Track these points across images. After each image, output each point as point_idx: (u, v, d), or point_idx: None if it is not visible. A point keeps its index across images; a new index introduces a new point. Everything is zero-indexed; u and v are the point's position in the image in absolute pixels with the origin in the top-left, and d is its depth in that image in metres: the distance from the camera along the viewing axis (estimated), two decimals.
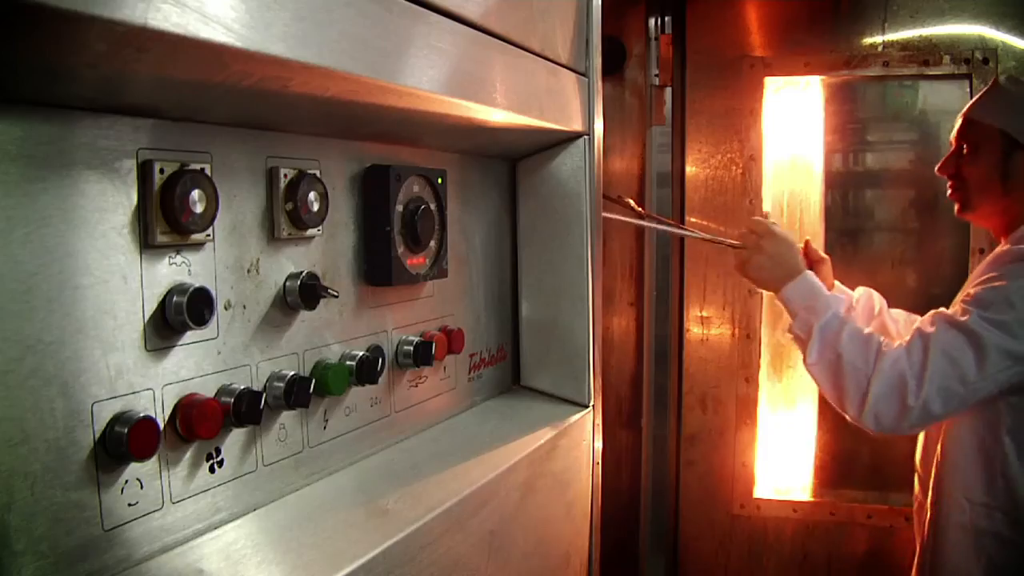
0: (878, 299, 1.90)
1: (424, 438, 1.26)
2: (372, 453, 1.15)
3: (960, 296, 1.58)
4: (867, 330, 1.51)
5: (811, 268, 1.93)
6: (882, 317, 1.87)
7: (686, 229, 1.98)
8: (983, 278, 1.50)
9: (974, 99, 1.66)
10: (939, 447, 1.60)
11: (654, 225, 1.93)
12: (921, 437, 1.73)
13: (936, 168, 1.69)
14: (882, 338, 1.50)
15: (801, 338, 1.56)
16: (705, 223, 2.45)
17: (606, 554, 1.64)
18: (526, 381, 1.58)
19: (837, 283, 1.93)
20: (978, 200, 1.62)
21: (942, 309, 1.53)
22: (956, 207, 1.66)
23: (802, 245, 1.96)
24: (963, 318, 1.43)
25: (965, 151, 1.63)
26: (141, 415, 0.76)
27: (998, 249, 1.59)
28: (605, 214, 1.57)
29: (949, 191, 1.66)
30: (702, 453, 2.54)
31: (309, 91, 0.81)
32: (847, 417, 1.54)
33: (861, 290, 1.92)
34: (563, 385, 1.52)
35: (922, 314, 1.86)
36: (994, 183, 1.58)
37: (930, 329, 1.45)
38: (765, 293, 2.43)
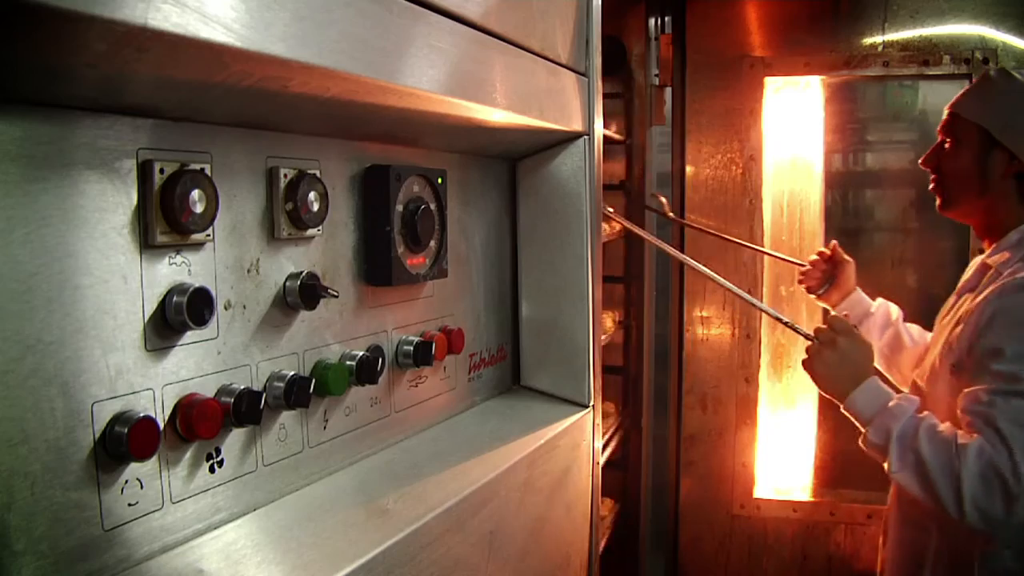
0: (895, 309, 1.89)
1: (424, 438, 1.26)
2: (372, 453, 1.15)
3: (954, 321, 1.50)
4: (940, 426, 1.40)
5: (835, 270, 1.94)
6: (897, 327, 1.86)
7: (765, 307, 1.79)
8: (993, 318, 1.40)
9: (960, 92, 1.61)
10: None
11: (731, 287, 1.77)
12: None
13: (920, 161, 1.66)
14: (957, 432, 1.38)
15: (878, 446, 1.44)
16: (707, 222, 2.45)
17: (606, 554, 1.64)
18: (526, 381, 1.58)
19: (858, 290, 1.92)
20: (957, 197, 1.58)
21: (974, 389, 1.39)
22: (937, 202, 1.63)
23: (829, 249, 1.95)
24: (1019, 385, 1.33)
25: (947, 146, 1.58)
26: (141, 415, 0.76)
27: (983, 258, 1.54)
28: (632, 230, 1.47)
29: (931, 185, 1.63)
30: (702, 453, 2.54)
31: (309, 91, 0.81)
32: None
33: (879, 301, 1.91)
34: (563, 385, 1.52)
35: (924, 323, 1.84)
36: (972, 181, 1.53)
37: (990, 410, 1.34)
38: (765, 292, 2.44)
